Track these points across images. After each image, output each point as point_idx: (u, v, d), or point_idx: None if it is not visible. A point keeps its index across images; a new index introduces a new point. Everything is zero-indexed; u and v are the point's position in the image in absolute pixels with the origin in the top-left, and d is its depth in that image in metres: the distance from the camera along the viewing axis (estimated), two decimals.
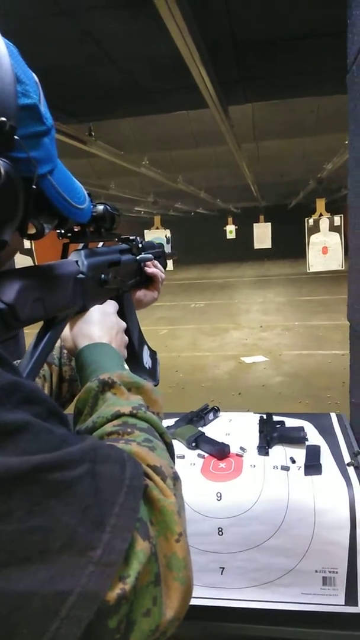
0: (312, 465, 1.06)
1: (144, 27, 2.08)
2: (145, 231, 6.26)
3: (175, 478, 0.46)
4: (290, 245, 11.92)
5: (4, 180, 0.44)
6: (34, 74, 0.51)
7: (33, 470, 0.33)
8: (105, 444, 0.42)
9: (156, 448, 0.48)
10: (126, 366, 0.67)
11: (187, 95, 2.76)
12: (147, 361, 0.90)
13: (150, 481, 0.43)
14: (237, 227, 12.16)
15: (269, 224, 9.15)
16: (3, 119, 0.43)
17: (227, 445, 1.16)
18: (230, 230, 12.25)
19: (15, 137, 0.45)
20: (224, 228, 12.40)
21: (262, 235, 9.19)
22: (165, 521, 0.41)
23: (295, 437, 1.18)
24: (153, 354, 0.95)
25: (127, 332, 0.76)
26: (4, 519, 0.31)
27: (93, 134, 3.55)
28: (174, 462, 0.52)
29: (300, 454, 1.12)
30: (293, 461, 1.10)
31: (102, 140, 3.91)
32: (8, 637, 0.30)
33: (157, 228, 7.26)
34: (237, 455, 1.16)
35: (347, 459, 1.10)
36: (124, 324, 0.75)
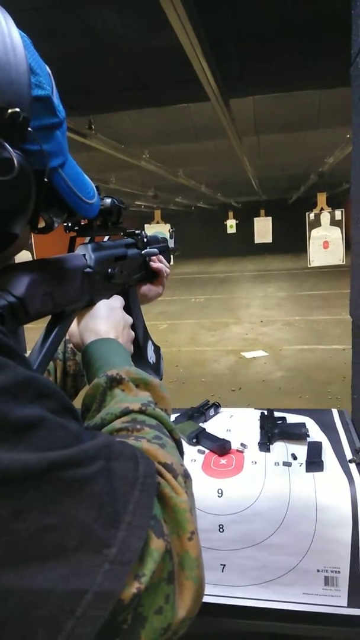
0: (314, 462, 1.06)
1: (144, 19, 2.06)
2: (146, 225, 6.25)
3: (186, 476, 0.46)
4: (291, 239, 11.92)
5: (16, 173, 0.44)
6: (46, 66, 0.50)
7: (49, 467, 0.33)
8: (117, 441, 0.42)
9: (166, 445, 0.48)
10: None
11: (188, 88, 2.74)
12: (151, 356, 0.90)
13: (162, 479, 0.43)
14: (237, 221, 12.14)
15: (270, 218, 9.14)
16: (17, 109, 0.43)
17: (228, 442, 1.16)
18: (231, 225, 12.23)
19: (29, 128, 0.45)
20: (225, 222, 12.37)
21: (263, 229, 9.17)
22: (177, 519, 0.41)
23: (296, 434, 1.17)
24: (157, 349, 0.94)
25: (132, 327, 0.76)
26: (18, 518, 0.31)
27: (93, 127, 3.53)
28: (182, 459, 0.51)
29: (301, 450, 1.12)
30: (294, 457, 1.09)
31: (102, 133, 3.89)
32: (24, 636, 0.30)
33: (158, 222, 7.24)
34: (238, 451, 1.15)
35: (349, 455, 1.09)
36: (130, 319, 0.74)
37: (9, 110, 0.42)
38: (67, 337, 0.76)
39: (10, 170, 0.43)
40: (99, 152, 4.35)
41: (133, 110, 3.76)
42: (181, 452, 0.52)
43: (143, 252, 0.90)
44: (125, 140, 4.58)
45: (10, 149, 0.43)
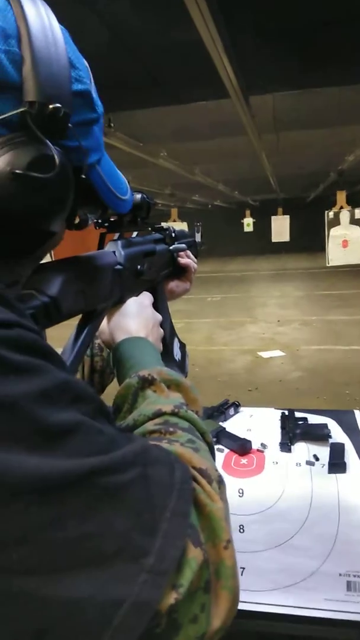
0: (337, 463, 1.04)
1: (164, 14, 2.05)
2: (162, 224, 6.24)
3: (220, 481, 0.45)
4: (309, 238, 11.79)
5: (58, 170, 0.43)
6: (84, 60, 0.49)
7: (88, 474, 0.32)
8: (153, 446, 0.41)
9: (200, 449, 0.46)
10: None
11: (208, 85, 2.72)
12: (177, 353, 0.89)
13: (197, 485, 0.41)
14: (254, 220, 12.08)
15: (287, 216, 9.06)
16: (58, 105, 0.42)
17: (249, 441, 1.14)
18: (248, 223, 12.17)
19: (69, 124, 0.44)
20: (242, 221, 12.32)
21: (280, 228, 9.10)
22: (213, 527, 0.39)
23: (318, 434, 1.15)
24: (182, 347, 0.93)
25: (161, 323, 0.75)
26: (57, 525, 0.30)
27: (112, 125, 3.53)
28: (215, 462, 0.50)
29: (323, 451, 1.10)
30: (316, 458, 1.08)
31: (120, 131, 3.89)
32: None
33: (174, 220, 7.24)
34: (259, 451, 1.14)
35: None
36: (159, 317, 0.73)
37: (50, 106, 0.41)
38: (97, 334, 0.76)
39: (52, 168, 0.42)
40: (117, 150, 4.35)
41: (151, 108, 3.75)
42: (213, 456, 0.51)
43: (171, 247, 0.89)
44: (143, 138, 4.58)
45: (51, 145, 0.42)
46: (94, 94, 0.49)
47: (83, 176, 0.48)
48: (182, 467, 0.40)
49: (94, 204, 0.55)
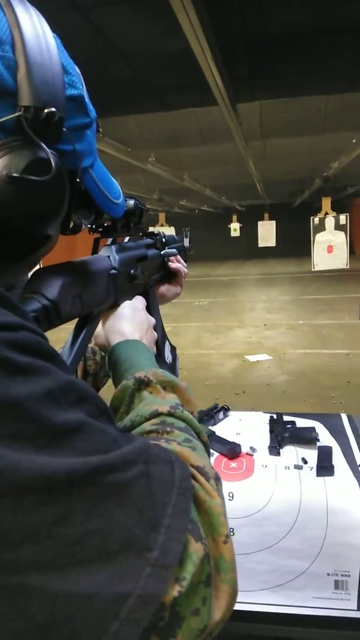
0: (325, 466, 1.06)
1: (155, 23, 2.07)
2: (150, 228, 6.25)
3: (217, 479, 0.46)
4: (295, 243, 11.91)
5: (54, 174, 0.43)
6: (76, 66, 0.50)
7: (92, 472, 0.33)
8: (153, 444, 0.42)
9: (197, 448, 0.47)
10: None
11: (197, 92, 2.75)
12: (168, 356, 0.90)
13: (196, 482, 0.43)
14: (241, 225, 12.14)
15: (274, 222, 9.14)
16: (53, 109, 0.43)
17: (239, 445, 1.16)
18: (235, 228, 12.23)
19: (64, 129, 0.45)
20: (228, 226, 12.38)
21: (267, 233, 9.18)
22: (212, 522, 0.41)
23: (307, 438, 1.17)
24: (173, 349, 0.95)
25: (154, 326, 0.76)
26: (64, 522, 0.31)
27: (101, 130, 3.54)
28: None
29: (311, 454, 1.12)
30: (305, 462, 1.09)
31: (109, 136, 3.90)
32: (70, 638, 0.30)
33: (162, 225, 7.25)
34: (248, 454, 1.15)
35: (359, 460, 1.09)
36: (153, 320, 0.75)
37: (45, 111, 0.42)
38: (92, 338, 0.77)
39: (48, 171, 0.43)
40: (105, 154, 4.36)
41: (139, 114, 3.77)
42: (208, 454, 0.52)
43: (162, 252, 0.90)
44: (131, 144, 4.60)
45: (47, 149, 0.43)
46: (87, 99, 0.50)
47: (77, 180, 0.49)
48: (181, 465, 0.41)
49: (88, 207, 0.56)
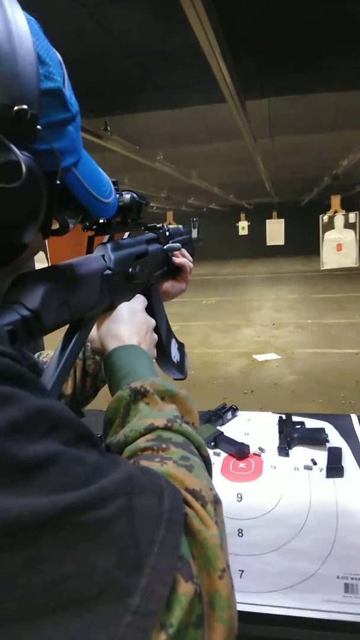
0: (335, 468, 1.05)
1: (163, 20, 2.06)
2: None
3: (216, 501, 0.42)
4: (304, 242, 11.84)
5: (25, 179, 0.39)
6: (57, 53, 0.45)
7: (63, 512, 0.30)
8: (140, 471, 0.39)
9: (194, 467, 0.44)
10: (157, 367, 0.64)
11: (205, 89, 2.74)
12: (175, 355, 0.86)
13: (190, 509, 0.39)
14: (249, 223, 12.07)
15: (282, 220, 9.08)
16: (24, 106, 0.38)
17: (247, 445, 1.15)
18: (243, 227, 12.17)
19: (38, 126, 0.40)
20: (237, 224, 12.32)
21: (275, 231, 9.11)
22: (207, 555, 0.37)
23: (316, 439, 1.16)
24: (181, 347, 0.90)
25: (155, 327, 0.72)
26: (33, 568, 0.28)
27: (109, 128, 3.53)
28: (211, 476, 0.48)
29: (321, 455, 1.10)
30: (314, 463, 1.08)
31: (117, 135, 3.90)
32: None
33: (170, 223, 7.24)
34: (257, 455, 1.14)
35: None
36: (153, 322, 0.70)
37: (15, 108, 0.37)
38: (88, 342, 0.74)
39: (18, 176, 0.38)
40: (114, 153, 4.36)
41: (149, 112, 3.76)
42: (209, 469, 0.49)
43: (165, 247, 0.85)
44: (140, 142, 4.59)
45: (17, 151, 0.38)
46: (67, 91, 0.45)
47: (58, 182, 0.44)
48: (172, 492, 0.38)
49: (73, 208, 0.51)
